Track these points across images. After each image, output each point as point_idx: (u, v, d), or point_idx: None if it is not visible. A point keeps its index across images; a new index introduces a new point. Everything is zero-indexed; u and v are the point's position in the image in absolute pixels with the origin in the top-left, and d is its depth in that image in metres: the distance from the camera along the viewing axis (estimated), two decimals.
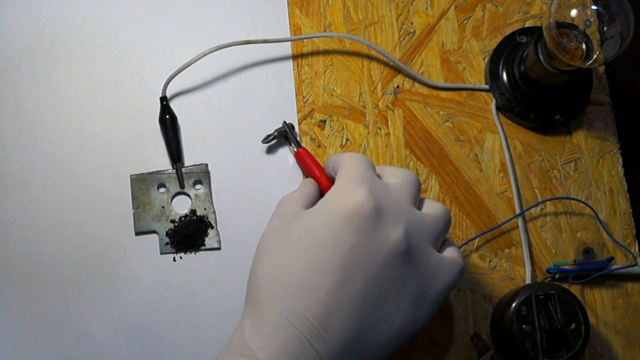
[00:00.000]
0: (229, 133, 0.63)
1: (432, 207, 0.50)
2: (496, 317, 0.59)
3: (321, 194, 0.56)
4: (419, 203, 0.51)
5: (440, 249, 0.50)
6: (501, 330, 0.57)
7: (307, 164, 0.59)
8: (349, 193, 0.47)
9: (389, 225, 0.46)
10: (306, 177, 0.60)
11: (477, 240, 0.62)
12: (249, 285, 0.48)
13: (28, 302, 0.58)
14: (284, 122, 0.61)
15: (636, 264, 0.61)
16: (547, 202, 0.63)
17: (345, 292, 0.45)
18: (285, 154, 0.62)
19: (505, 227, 0.62)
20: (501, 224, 0.62)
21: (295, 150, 0.60)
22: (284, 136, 0.61)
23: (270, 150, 0.62)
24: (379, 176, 0.51)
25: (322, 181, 0.57)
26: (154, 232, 0.60)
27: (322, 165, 0.59)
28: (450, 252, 0.50)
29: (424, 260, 0.48)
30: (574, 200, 0.63)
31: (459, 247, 0.61)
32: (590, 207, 0.62)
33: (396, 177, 0.50)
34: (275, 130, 0.61)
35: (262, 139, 0.61)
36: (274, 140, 0.62)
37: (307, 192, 0.54)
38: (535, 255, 0.62)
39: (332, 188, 0.49)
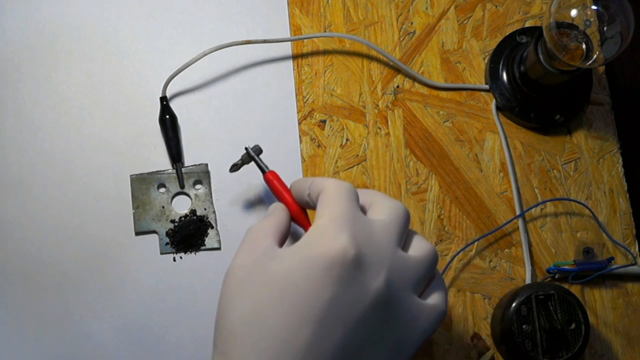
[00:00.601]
0: (229, 133, 0.63)
1: (418, 248, 0.47)
2: (496, 317, 0.59)
3: (293, 220, 0.53)
4: (406, 238, 0.48)
5: (423, 292, 0.48)
6: (501, 330, 0.57)
7: (276, 188, 0.55)
8: (329, 239, 0.43)
9: (370, 274, 0.44)
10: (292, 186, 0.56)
11: (476, 241, 0.62)
12: (218, 329, 0.45)
13: (28, 302, 0.58)
14: (246, 147, 0.57)
15: (635, 263, 0.61)
16: (547, 202, 0.63)
17: (322, 347, 0.42)
18: (285, 153, 0.62)
19: (505, 227, 0.62)
20: (502, 225, 0.62)
21: (263, 173, 0.56)
22: (249, 162, 0.58)
23: (271, 151, 0.62)
24: (363, 208, 0.48)
25: (292, 208, 0.53)
26: (154, 232, 0.60)
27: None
28: (433, 297, 0.47)
29: (404, 308, 0.45)
30: (573, 201, 0.63)
31: (456, 254, 0.61)
32: (589, 209, 0.62)
33: (383, 213, 0.47)
34: (241, 158, 0.58)
35: (229, 168, 0.59)
36: (242, 167, 0.59)
37: (278, 221, 0.50)
38: (535, 255, 0.62)
39: (312, 229, 0.45)
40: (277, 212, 0.51)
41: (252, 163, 0.58)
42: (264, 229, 0.48)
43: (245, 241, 0.48)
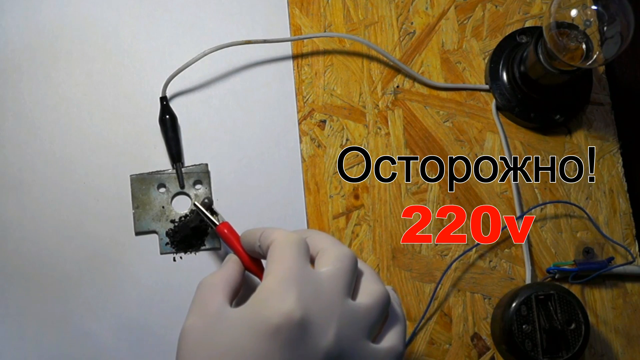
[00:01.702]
0: (229, 133, 0.63)
1: (368, 292, 0.47)
2: (496, 317, 0.59)
3: (247, 269, 0.52)
4: (355, 284, 0.47)
5: (378, 335, 0.47)
6: (501, 330, 0.57)
7: (229, 240, 0.54)
8: (274, 302, 0.43)
9: (319, 332, 0.43)
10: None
11: (477, 241, 0.62)
12: None
13: (28, 302, 0.58)
14: (194, 203, 0.56)
15: (634, 260, 0.61)
16: (546, 204, 0.63)
17: None
18: (285, 153, 0.62)
19: (505, 228, 0.62)
20: (504, 227, 0.62)
21: (214, 226, 0.55)
22: (201, 217, 0.57)
23: (271, 151, 0.62)
24: (311, 257, 0.48)
25: (245, 259, 0.52)
26: (154, 232, 0.60)
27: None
28: (389, 339, 0.47)
29: (358, 359, 0.45)
30: (570, 204, 0.63)
31: (456, 259, 0.61)
32: (584, 211, 0.62)
33: (329, 263, 0.46)
34: (193, 214, 0.58)
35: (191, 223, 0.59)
36: (194, 222, 0.59)
37: (229, 275, 0.50)
38: (535, 255, 0.62)
39: (259, 289, 0.45)
40: (229, 265, 0.51)
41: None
42: (214, 285, 0.48)
43: (196, 299, 0.48)
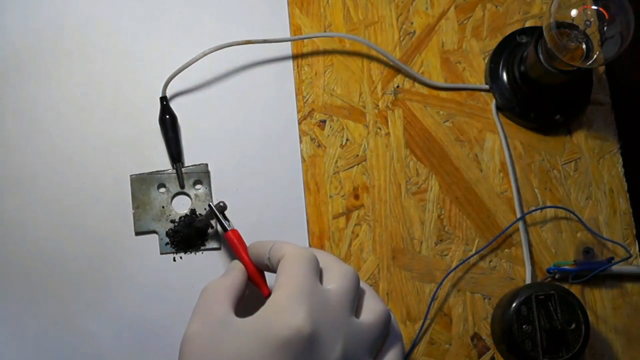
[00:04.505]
0: (229, 133, 0.63)
1: (370, 311, 0.48)
2: (496, 317, 0.59)
3: (250, 280, 0.53)
4: (358, 301, 0.48)
5: (379, 352, 0.48)
6: (501, 330, 0.57)
7: (236, 248, 0.54)
8: (285, 316, 0.44)
9: (326, 347, 0.44)
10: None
11: (476, 241, 0.62)
12: None
13: (28, 302, 0.58)
14: (210, 204, 0.56)
15: (630, 256, 0.61)
16: (541, 209, 0.63)
17: None
18: (285, 153, 0.62)
19: (504, 227, 0.62)
20: (503, 231, 0.62)
21: (224, 231, 0.56)
22: (213, 219, 0.57)
23: (271, 151, 0.62)
24: (321, 273, 0.49)
25: (250, 270, 0.53)
26: (154, 232, 0.60)
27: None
28: (389, 357, 0.48)
29: None
30: (564, 209, 0.63)
31: (460, 264, 0.61)
32: (576, 215, 0.62)
33: (335, 280, 0.47)
34: (204, 215, 0.58)
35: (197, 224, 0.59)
36: (206, 223, 0.59)
37: (234, 282, 0.50)
38: (535, 255, 0.62)
39: (269, 302, 0.45)
40: (234, 272, 0.51)
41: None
42: (219, 291, 0.48)
43: (200, 305, 0.48)
